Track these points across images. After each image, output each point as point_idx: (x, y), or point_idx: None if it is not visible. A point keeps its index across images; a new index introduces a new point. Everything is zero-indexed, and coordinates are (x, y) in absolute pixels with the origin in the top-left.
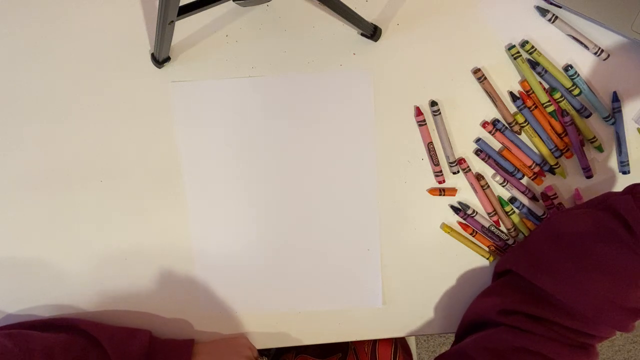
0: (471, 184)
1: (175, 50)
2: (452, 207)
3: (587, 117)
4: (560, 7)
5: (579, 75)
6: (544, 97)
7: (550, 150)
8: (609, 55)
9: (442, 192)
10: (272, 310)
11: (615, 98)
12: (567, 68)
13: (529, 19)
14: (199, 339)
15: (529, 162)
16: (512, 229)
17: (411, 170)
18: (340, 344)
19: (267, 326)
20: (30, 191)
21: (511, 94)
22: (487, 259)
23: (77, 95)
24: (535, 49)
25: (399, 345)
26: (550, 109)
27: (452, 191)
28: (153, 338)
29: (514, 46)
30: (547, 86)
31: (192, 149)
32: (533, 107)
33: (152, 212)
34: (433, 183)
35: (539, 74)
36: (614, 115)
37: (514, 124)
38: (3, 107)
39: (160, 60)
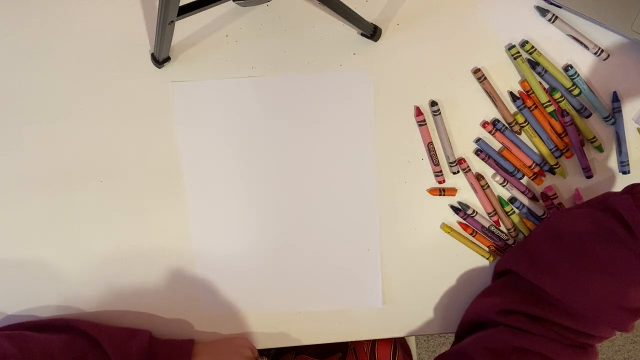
0: (471, 184)
1: (175, 50)
2: (452, 207)
3: (587, 117)
4: (560, 7)
5: (579, 75)
6: (544, 97)
7: (550, 150)
8: (609, 55)
9: (442, 192)
10: (272, 310)
11: (615, 98)
12: (567, 68)
13: (529, 19)
14: (199, 339)
15: (529, 162)
16: (512, 229)
17: (411, 170)
18: (340, 343)
19: (267, 326)
20: (30, 191)
21: (511, 94)
22: (487, 259)
23: (77, 95)
24: (535, 49)
25: (398, 344)
26: (550, 109)
27: (452, 191)
28: (153, 338)
29: (514, 46)
30: (547, 86)
31: (192, 149)
32: (533, 107)
33: (152, 212)
34: (433, 183)
35: (539, 74)
36: (614, 115)
37: (514, 124)
38: (3, 107)
39: (160, 60)
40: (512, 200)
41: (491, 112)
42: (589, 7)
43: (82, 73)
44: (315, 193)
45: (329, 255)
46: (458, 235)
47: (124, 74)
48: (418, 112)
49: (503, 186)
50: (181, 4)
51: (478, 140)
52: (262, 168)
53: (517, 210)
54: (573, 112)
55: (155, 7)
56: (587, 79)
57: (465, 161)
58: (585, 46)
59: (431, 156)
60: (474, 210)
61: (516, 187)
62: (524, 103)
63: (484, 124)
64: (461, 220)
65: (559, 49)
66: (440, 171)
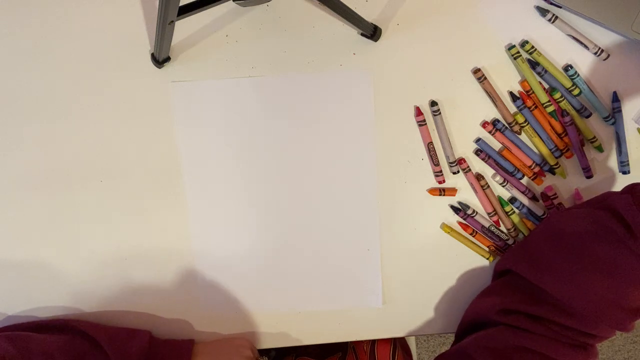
0: (471, 184)
1: (175, 50)
2: (452, 207)
3: (587, 117)
4: (560, 7)
5: (579, 75)
6: (544, 97)
7: (550, 150)
8: (609, 55)
9: (442, 192)
10: (272, 310)
11: (615, 98)
12: (567, 68)
13: (529, 19)
14: (199, 339)
15: (529, 162)
16: (512, 229)
17: (411, 170)
18: (340, 343)
19: (267, 326)
20: (30, 191)
21: (511, 94)
22: (487, 259)
23: (77, 95)
24: (535, 49)
25: (398, 344)
26: (550, 109)
27: (452, 191)
28: (153, 338)
29: (514, 46)
30: (547, 86)
31: (192, 149)
32: (533, 107)
33: (152, 212)
34: (433, 183)
35: (539, 74)
36: (614, 115)
37: (514, 124)
38: (3, 107)
39: (160, 60)
40: (512, 200)
41: (491, 112)
42: (589, 7)
43: (82, 73)
44: (315, 193)
45: (329, 255)
46: (458, 235)
47: (124, 74)
48: (418, 112)
49: (503, 186)
50: (181, 4)
51: (478, 140)
52: (262, 168)
53: (517, 210)
54: (573, 112)
55: (155, 7)
56: (587, 79)
57: (465, 161)
58: (585, 46)
59: (431, 156)
60: (474, 210)
61: (516, 187)
62: (524, 103)
63: (484, 124)
64: (461, 220)
65: (559, 49)
66: (440, 171)
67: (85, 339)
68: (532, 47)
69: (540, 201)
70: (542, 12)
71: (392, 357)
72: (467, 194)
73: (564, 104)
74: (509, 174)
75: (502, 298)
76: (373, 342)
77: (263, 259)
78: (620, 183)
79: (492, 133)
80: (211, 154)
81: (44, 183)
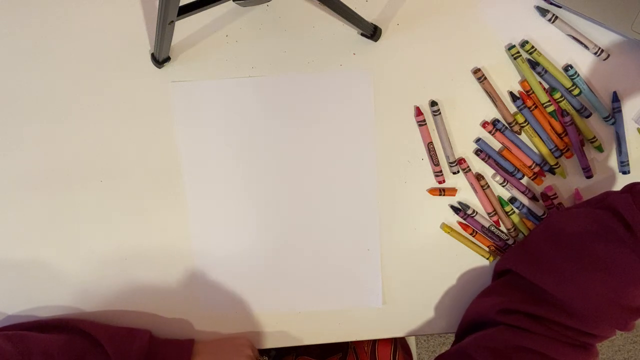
0: (471, 184)
1: (175, 50)
2: (452, 207)
3: (587, 117)
4: (560, 7)
5: (579, 75)
6: (544, 97)
7: (550, 150)
8: (609, 55)
9: (442, 192)
10: (272, 310)
11: (615, 98)
12: (567, 68)
13: (529, 19)
14: (199, 338)
15: (529, 162)
16: (512, 229)
17: (411, 170)
18: (340, 343)
19: (267, 326)
20: (30, 191)
21: (511, 94)
22: (487, 259)
23: (77, 95)
24: (535, 49)
25: (399, 344)
26: (550, 109)
27: (452, 191)
28: (153, 338)
29: (514, 46)
30: (547, 86)
31: (192, 149)
32: (533, 107)
33: (152, 212)
34: (433, 183)
35: (539, 74)
36: (614, 115)
37: (514, 124)
38: (3, 107)
39: (160, 60)
40: (512, 200)
41: (491, 112)
42: (589, 7)
43: (82, 73)
44: (315, 193)
45: (329, 255)
46: (458, 235)
47: (124, 74)
48: (418, 112)
49: (503, 186)
50: (181, 4)
51: (478, 140)
52: (262, 168)
53: (517, 210)
54: (573, 112)
55: (155, 7)
56: (587, 79)
57: (465, 161)
58: (585, 46)
59: (431, 156)
60: (474, 210)
61: (516, 187)
62: (524, 103)
63: (484, 124)
64: (461, 220)
65: (559, 49)
66: (440, 171)
67: (85, 338)
68: (532, 47)
69: (540, 201)
70: (542, 12)
71: (392, 357)
72: (467, 194)
73: (564, 104)
74: (509, 174)
75: (502, 298)
76: (374, 343)
77: (263, 258)
78: (620, 183)
79: (492, 133)
80: (211, 154)
81: (44, 183)
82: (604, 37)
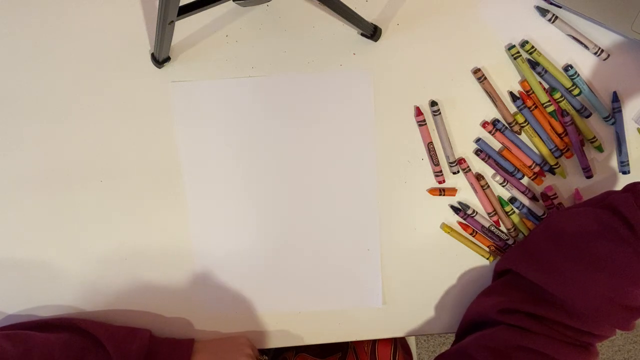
0: (471, 184)
1: (175, 50)
2: (452, 207)
3: (587, 117)
4: (560, 7)
5: (579, 75)
6: (544, 97)
7: (550, 150)
8: (609, 55)
9: (442, 192)
10: (272, 310)
11: (615, 98)
12: (567, 68)
13: (529, 19)
14: (199, 338)
15: (529, 162)
16: (512, 229)
17: (411, 170)
18: (340, 343)
19: (267, 326)
20: (30, 191)
21: (511, 94)
22: (487, 259)
23: (77, 95)
24: (535, 49)
25: (399, 344)
26: (550, 109)
27: (452, 191)
28: (153, 337)
29: (514, 46)
30: (547, 86)
31: (192, 149)
32: (533, 107)
33: (152, 212)
34: (433, 183)
35: (539, 74)
36: (614, 115)
37: (514, 124)
38: (3, 107)
39: (160, 60)
40: (512, 200)
41: (491, 112)
42: (589, 7)
43: (82, 73)
44: (315, 193)
45: (329, 255)
46: (458, 235)
47: (124, 74)
48: (418, 112)
49: (503, 186)
50: (181, 4)
51: (478, 140)
52: (262, 168)
53: (517, 210)
54: (573, 112)
55: (155, 7)
56: (587, 79)
57: (465, 161)
58: (585, 46)
59: (431, 156)
60: (474, 210)
61: (516, 187)
62: (524, 103)
63: (484, 124)
64: (461, 220)
65: (559, 49)
66: (440, 171)
67: (85, 337)
68: (532, 47)
69: (540, 201)
70: (542, 12)
71: (392, 357)
72: (467, 194)
73: (564, 104)
74: (509, 174)
75: (503, 297)
76: (374, 342)
77: (263, 258)
78: (620, 183)
79: (492, 133)
80: (211, 154)
81: (44, 183)
82: (604, 37)
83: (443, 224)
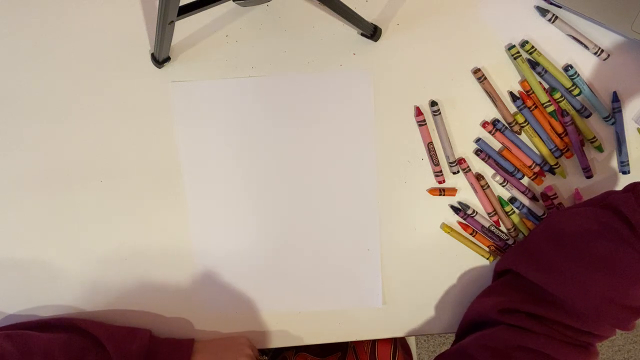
0: (471, 184)
1: (175, 50)
2: (452, 207)
3: (587, 117)
4: (560, 7)
5: (579, 75)
6: (544, 97)
7: (550, 150)
8: (609, 55)
9: (442, 192)
10: (272, 310)
11: (615, 98)
12: (567, 68)
13: (529, 19)
14: (199, 338)
15: (529, 162)
16: (512, 229)
17: (411, 170)
18: (340, 343)
19: (267, 326)
20: (30, 191)
21: (511, 94)
22: (487, 259)
23: (77, 95)
24: (535, 49)
25: (399, 344)
26: (550, 109)
27: (452, 191)
28: (153, 337)
29: (514, 46)
30: (547, 86)
31: (192, 149)
32: (533, 107)
33: (152, 212)
34: (433, 183)
35: (539, 74)
36: (614, 115)
37: (514, 124)
38: (3, 107)
39: (160, 60)
40: (512, 200)
41: (491, 112)
42: (589, 7)
43: (82, 73)
44: (315, 193)
45: (329, 255)
46: (458, 235)
47: (124, 74)
48: (418, 112)
49: (503, 186)
50: (181, 4)
51: (478, 140)
52: (262, 168)
53: (517, 210)
54: (573, 112)
55: (155, 7)
56: (587, 79)
57: (465, 161)
58: (585, 46)
59: (431, 156)
60: (474, 210)
61: (516, 187)
62: (524, 103)
63: (484, 124)
64: (461, 220)
65: (559, 49)
66: (440, 171)
67: (85, 337)
68: (532, 47)
69: (540, 201)
70: (542, 12)
71: (392, 357)
72: (467, 194)
73: (564, 104)
74: (509, 174)
75: (503, 297)
76: (373, 342)
77: (263, 258)
78: (621, 183)
79: (492, 133)
80: (211, 154)
81: (44, 183)
82: (604, 37)
83: (443, 224)
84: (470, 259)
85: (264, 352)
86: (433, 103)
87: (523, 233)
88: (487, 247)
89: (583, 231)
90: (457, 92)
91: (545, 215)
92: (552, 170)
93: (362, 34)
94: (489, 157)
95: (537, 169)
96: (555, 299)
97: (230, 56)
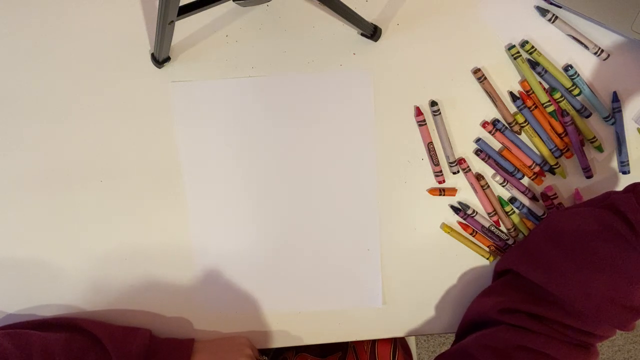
0: (471, 184)
1: (175, 50)
2: (452, 207)
3: (587, 117)
4: (560, 7)
5: (579, 75)
6: (544, 97)
7: (550, 150)
8: (609, 55)
9: (442, 192)
10: (272, 309)
11: (615, 98)
12: (567, 68)
13: (529, 19)
14: (199, 338)
15: (529, 162)
16: (512, 229)
17: (411, 170)
18: (340, 343)
19: (267, 326)
20: (30, 191)
21: (511, 94)
22: (487, 259)
23: (77, 95)
24: (535, 49)
25: (399, 344)
26: (550, 109)
27: (452, 191)
28: (153, 337)
29: (514, 46)
30: (547, 86)
31: (192, 149)
32: (533, 107)
33: (152, 212)
34: (433, 183)
35: (539, 74)
36: (614, 115)
37: (514, 124)
38: (3, 107)
39: (160, 60)
40: (512, 200)
41: (491, 112)
42: (589, 7)
43: (82, 73)
44: (315, 193)
45: (329, 255)
46: (458, 235)
47: (124, 74)
48: (418, 112)
49: (503, 186)
50: (181, 4)
51: (478, 140)
52: (262, 168)
53: (517, 210)
54: (573, 112)
55: (155, 7)
56: (587, 79)
57: (465, 161)
58: (585, 46)
59: (431, 156)
60: (474, 210)
61: (516, 187)
62: (524, 103)
63: (484, 124)
64: (461, 220)
65: (559, 49)
66: (440, 171)
67: (86, 336)
68: (532, 47)
69: (540, 201)
70: (542, 12)
71: (392, 356)
72: (467, 194)
73: (564, 104)
74: (509, 174)
75: (503, 297)
76: (373, 342)
77: (263, 258)
78: (621, 183)
79: (492, 133)
80: (211, 154)
81: (44, 183)
82: (604, 37)
83: (443, 224)
84: (470, 259)
85: (264, 352)
86: (433, 103)
87: (523, 233)
88: (487, 247)
89: (583, 231)
90: (457, 92)
91: (545, 215)
92: (552, 170)
93: (362, 34)
94: (489, 157)
95: (537, 169)
96: (556, 299)
97: (230, 56)
